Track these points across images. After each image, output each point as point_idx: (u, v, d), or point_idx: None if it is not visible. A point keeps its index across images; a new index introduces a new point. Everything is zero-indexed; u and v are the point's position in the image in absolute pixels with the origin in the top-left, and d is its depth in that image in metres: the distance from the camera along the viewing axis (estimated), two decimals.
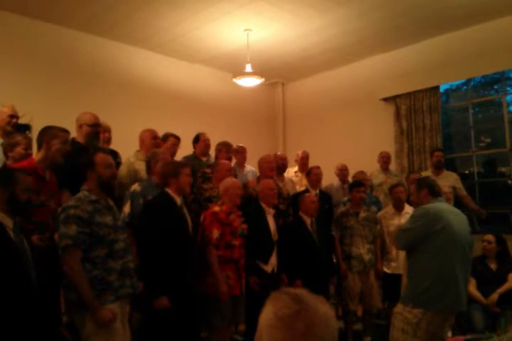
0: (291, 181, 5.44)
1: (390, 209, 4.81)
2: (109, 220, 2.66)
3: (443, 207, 3.19)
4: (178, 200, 3.28)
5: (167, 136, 4.65)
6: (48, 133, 3.15)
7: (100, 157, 2.77)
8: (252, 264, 3.83)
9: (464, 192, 5.54)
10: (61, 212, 2.56)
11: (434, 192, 3.25)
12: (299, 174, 5.79)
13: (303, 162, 5.83)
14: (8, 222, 2.34)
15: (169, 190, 3.27)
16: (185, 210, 3.36)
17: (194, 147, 5.05)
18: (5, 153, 3.47)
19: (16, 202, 2.38)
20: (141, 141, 4.39)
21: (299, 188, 5.41)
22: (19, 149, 3.39)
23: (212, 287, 3.41)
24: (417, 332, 2.94)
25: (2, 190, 2.37)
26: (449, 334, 3.19)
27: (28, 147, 3.45)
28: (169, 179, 3.27)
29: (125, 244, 2.71)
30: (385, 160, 6.03)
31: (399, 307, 3.10)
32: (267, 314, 1.05)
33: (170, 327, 3.02)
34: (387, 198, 5.43)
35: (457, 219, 3.15)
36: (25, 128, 4.64)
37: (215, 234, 3.50)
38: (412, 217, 3.21)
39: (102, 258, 2.56)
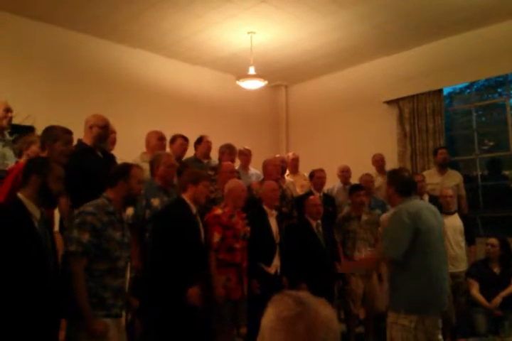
0: (292, 183, 5.43)
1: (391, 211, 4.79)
2: (118, 236, 2.63)
3: (418, 205, 3.03)
4: (193, 208, 3.32)
5: (175, 137, 4.67)
6: (50, 134, 3.16)
7: (135, 170, 2.78)
8: (254, 266, 3.81)
9: (462, 192, 5.53)
10: (77, 216, 2.53)
11: (403, 192, 3.04)
12: (292, 176, 5.76)
13: (294, 164, 5.80)
14: (36, 212, 2.35)
15: (185, 197, 3.31)
16: (198, 219, 3.39)
17: (196, 148, 5.05)
18: (20, 151, 3.50)
19: (47, 192, 2.38)
20: (147, 142, 4.40)
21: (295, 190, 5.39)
22: (34, 147, 3.41)
23: (210, 290, 3.40)
24: (417, 336, 2.84)
25: (36, 177, 2.36)
26: (440, 337, 3.10)
27: None
28: (188, 185, 3.31)
29: (125, 263, 2.68)
30: (379, 163, 6.00)
31: (392, 317, 2.91)
32: (269, 316, 1.05)
33: (172, 333, 3.02)
34: (386, 201, 5.42)
35: (433, 217, 3.04)
36: (29, 130, 4.65)
37: (216, 237, 3.48)
38: (391, 224, 2.97)
39: (101, 272, 2.52)
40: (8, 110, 3.81)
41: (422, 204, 3.12)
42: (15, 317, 2.15)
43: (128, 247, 2.74)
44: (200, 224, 3.40)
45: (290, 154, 5.95)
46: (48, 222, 2.54)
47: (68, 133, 3.25)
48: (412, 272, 2.89)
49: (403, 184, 3.07)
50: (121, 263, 2.63)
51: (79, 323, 2.44)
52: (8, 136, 3.87)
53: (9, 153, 3.60)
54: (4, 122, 3.74)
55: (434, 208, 3.16)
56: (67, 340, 2.54)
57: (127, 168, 2.78)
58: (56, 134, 3.16)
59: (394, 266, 3.02)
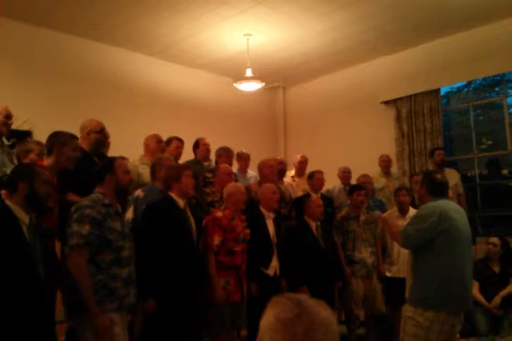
0: (291, 186, 5.42)
1: (394, 211, 4.79)
2: (118, 226, 2.65)
3: (447, 205, 3.10)
4: (181, 203, 3.29)
5: (170, 140, 4.69)
6: (59, 139, 3.15)
7: (119, 162, 2.80)
8: (253, 269, 3.80)
9: (461, 190, 5.54)
10: (75, 211, 2.55)
11: (435, 192, 3.15)
12: (296, 179, 5.74)
13: (301, 166, 5.77)
14: (25, 218, 2.35)
15: (172, 194, 3.29)
16: (188, 213, 3.36)
17: (194, 152, 5.06)
18: (19, 160, 3.49)
19: (35, 197, 2.38)
20: (146, 145, 4.41)
21: (297, 193, 5.37)
22: (32, 156, 3.40)
23: (210, 293, 3.40)
24: (428, 335, 2.88)
25: (23, 184, 2.36)
26: (457, 336, 3.12)
27: (41, 153, 3.44)
28: (171, 182, 3.30)
29: (130, 252, 2.70)
30: (385, 163, 6.00)
31: (409, 311, 2.99)
32: (268, 317, 1.06)
33: (171, 332, 3.02)
34: (389, 202, 5.42)
35: (460, 218, 3.09)
36: (27, 134, 4.64)
37: (216, 240, 3.48)
38: (419, 216, 3.07)
39: (108, 263, 2.54)
40: (8, 116, 3.80)
41: (450, 204, 3.16)
42: (2, 322, 2.14)
43: (129, 237, 2.75)
44: (191, 218, 3.35)
45: (298, 156, 5.91)
46: (40, 227, 2.52)
47: (75, 138, 3.26)
48: (434, 270, 2.95)
49: (434, 185, 3.18)
50: (126, 252, 2.65)
51: (84, 319, 2.44)
52: (6, 142, 3.85)
53: (7, 159, 3.58)
54: (4, 129, 3.73)
55: (461, 210, 3.21)
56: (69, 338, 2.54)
57: (111, 161, 2.81)
58: (65, 139, 3.15)
59: (417, 262, 3.09)
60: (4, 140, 3.80)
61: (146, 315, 3.06)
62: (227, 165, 4.51)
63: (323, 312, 1.05)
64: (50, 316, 2.43)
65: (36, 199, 2.38)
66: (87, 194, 2.82)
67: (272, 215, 4.10)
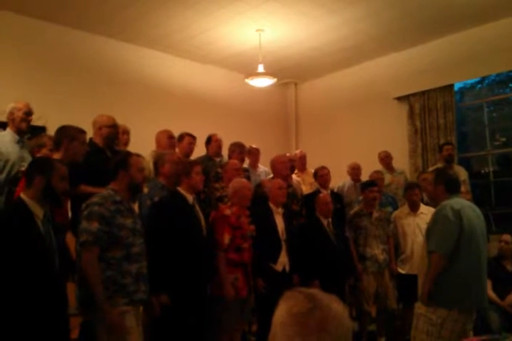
0: (299, 182, 5.42)
1: (405, 209, 4.76)
2: (130, 223, 2.65)
3: (462, 203, 3.09)
4: (190, 198, 3.30)
5: (183, 136, 4.69)
6: (67, 133, 3.18)
7: (134, 159, 2.79)
8: (261, 265, 3.79)
9: (468, 188, 5.45)
10: (85, 208, 2.56)
11: (452, 189, 3.14)
12: (300, 174, 5.73)
13: (301, 161, 5.77)
14: (39, 212, 2.37)
15: (180, 189, 3.30)
16: (197, 208, 3.37)
17: (206, 148, 5.07)
18: (32, 154, 3.52)
19: (51, 192, 2.40)
20: (157, 141, 4.42)
21: (303, 187, 5.35)
22: (45, 150, 3.43)
23: (219, 289, 3.39)
24: (441, 332, 2.87)
25: (40, 178, 2.39)
26: (471, 333, 3.10)
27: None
28: (181, 177, 3.30)
29: (140, 248, 2.70)
30: (385, 161, 5.93)
31: (422, 309, 2.99)
32: (281, 312, 1.06)
33: (179, 327, 3.03)
34: (397, 198, 5.39)
35: (475, 215, 3.08)
36: (41, 130, 4.68)
37: (226, 239, 3.47)
38: (441, 216, 3.01)
39: (118, 259, 2.55)
40: (28, 113, 3.83)
41: (464, 202, 3.15)
42: (19, 315, 2.18)
43: (141, 233, 2.75)
44: (200, 214, 3.36)
45: (297, 152, 5.93)
46: (53, 221, 2.56)
47: (83, 132, 3.28)
48: (449, 268, 2.93)
49: (452, 182, 3.19)
50: (136, 249, 2.65)
51: (96, 314, 2.46)
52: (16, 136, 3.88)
53: (27, 154, 3.62)
54: (23, 125, 3.76)
55: (475, 207, 3.19)
56: (83, 335, 2.56)
57: (125, 157, 2.79)
58: (73, 134, 3.18)
59: (430, 261, 3.04)
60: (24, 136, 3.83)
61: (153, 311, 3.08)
62: (235, 161, 4.51)
63: (336, 307, 1.05)
64: (64, 308, 2.46)
65: (52, 194, 2.41)
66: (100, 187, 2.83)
67: (280, 211, 4.09)
